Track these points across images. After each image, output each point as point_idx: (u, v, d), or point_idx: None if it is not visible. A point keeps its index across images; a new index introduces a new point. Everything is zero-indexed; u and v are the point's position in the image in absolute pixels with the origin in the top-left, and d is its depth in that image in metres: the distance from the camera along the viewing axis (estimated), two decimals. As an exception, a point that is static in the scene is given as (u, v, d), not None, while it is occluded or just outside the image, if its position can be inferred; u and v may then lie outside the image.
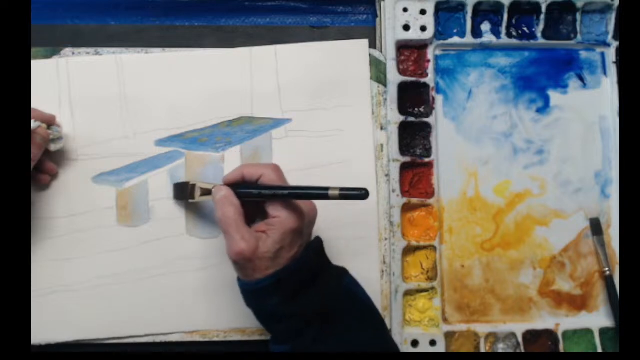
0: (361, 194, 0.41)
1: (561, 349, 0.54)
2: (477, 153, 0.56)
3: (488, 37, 0.57)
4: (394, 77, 0.55)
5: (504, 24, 0.57)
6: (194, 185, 0.49)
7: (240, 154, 0.55)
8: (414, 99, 0.56)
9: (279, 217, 0.43)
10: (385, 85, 0.56)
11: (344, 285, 0.46)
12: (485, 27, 0.58)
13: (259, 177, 0.45)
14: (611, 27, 0.57)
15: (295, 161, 0.54)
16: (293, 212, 0.43)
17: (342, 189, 0.41)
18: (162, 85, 0.55)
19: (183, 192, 0.51)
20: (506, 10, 0.57)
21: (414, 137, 0.56)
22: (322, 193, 0.42)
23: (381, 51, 0.56)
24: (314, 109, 0.55)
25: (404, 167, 0.55)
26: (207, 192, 0.47)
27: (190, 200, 0.49)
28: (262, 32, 0.57)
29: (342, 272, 0.47)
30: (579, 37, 0.57)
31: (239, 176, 0.46)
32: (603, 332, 0.54)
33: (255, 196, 0.44)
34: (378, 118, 0.55)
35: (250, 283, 0.43)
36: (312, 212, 0.45)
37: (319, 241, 0.46)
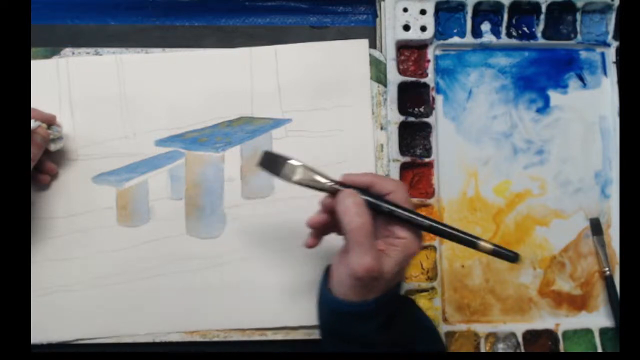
0: (512, 257, 0.39)
1: (561, 349, 0.54)
2: (477, 153, 0.56)
3: (488, 37, 0.57)
4: (394, 77, 0.55)
5: (504, 24, 0.57)
6: (300, 165, 0.42)
7: (240, 154, 0.55)
8: (414, 99, 0.56)
9: (406, 239, 0.40)
10: (385, 85, 0.56)
11: (417, 316, 0.45)
12: (485, 27, 0.58)
13: (388, 193, 0.41)
14: (611, 27, 0.57)
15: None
16: (417, 236, 0.41)
17: (495, 246, 0.39)
18: (162, 85, 0.55)
19: (274, 164, 0.43)
20: (506, 10, 0.57)
21: (414, 137, 0.56)
22: (472, 241, 0.40)
23: (381, 51, 0.56)
24: (314, 109, 0.55)
25: (404, 167, 0.55)
26: (320, 188, 0.42)
27: (284, 178, 0.42)
28: (262, 32, 0.57)
29: (412, 302, 0.46)
30: (579, 37, 0.57)
31: (367, 183, 0.41)
32: (603, 332, 0.54)
33: (384, 213, 0.40)
34: (378, 118, 0.55)
35: (356, 304, 0.39)
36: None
37: None
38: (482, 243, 0.40)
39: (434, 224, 0.40)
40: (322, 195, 0.43)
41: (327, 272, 0.43)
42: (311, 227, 0.44)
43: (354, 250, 0.38)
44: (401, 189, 0.41)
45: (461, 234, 0.40)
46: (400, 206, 0.40)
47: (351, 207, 0.39)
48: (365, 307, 0.39)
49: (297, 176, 0.42)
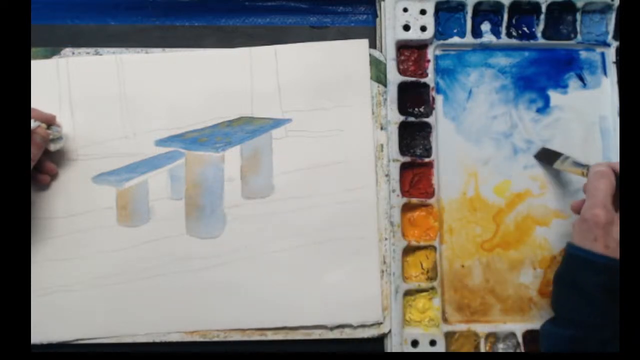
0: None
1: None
2: (477, 153, 0.56)
3: (488, 37, 0.57)
4: (394, 77, 0.55)
5: (504, 24, 0.57)
6: (567, 158, 0.53)
7: (240, 154, 0.55)
8: (414, 99, 0.56)
9: None
10: (385, 85, 0.56)
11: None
12: (485, 27, 0.58)
13: None
14: (611, 27, 0.57)
15: (295, 161, 0.54)
16: None
17: None
18: (162, 85, 0.55)
19: (549, 158, 0.54)
20: (506, 10, 0.57)
21: (414, 137, 0.56)
22: None
23: (381, 51, 0.56)
24: (314, 109, 0.55)
25: (404, 167, 0.55)
26: (578, 171, 0.50)
27: (555, 167, 0.53)
28: (262, 32, 0.57)
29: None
30: (579, 37, 0.57)
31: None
32: (603, 332, 0.54)
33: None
34: (378, 118, 0.55)
35: (582, 249, 0.44)
36: None
37: None
38: None
39: None
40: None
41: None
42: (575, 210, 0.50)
43: (588, 201, 0.44)
44: None
45: None
46: None
47: (597, 171, 0.46)
48: (595, 257, 0.43)
49: (566, 165, 0.53)
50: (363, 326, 0.53)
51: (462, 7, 0.57)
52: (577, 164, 0.51)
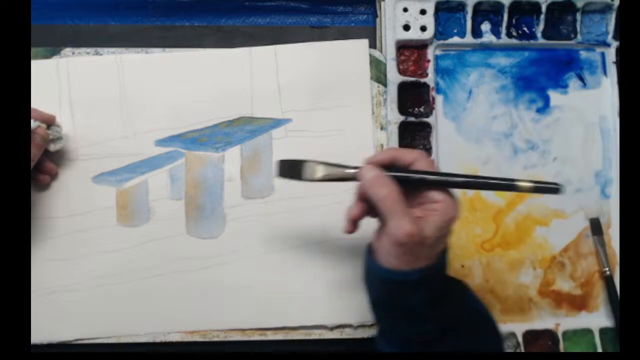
0: (554, 189, 0.41)
1: (561, 349, 0.54)
2: (477, 153, 0.56)
3: (488, 37, 0.57)
4: (394, 77, 0.55)
5: (504, 24, 0.57)
6: (314, 165, 0.43)
7: (240, 154, 0.55)
8: (414, 99, 0.56)
9: (442, 202, 0.40)
10: (385, 85, 0.56)
11: (466, 299, 0.44)
12: (485, 27, 0.58)
13: (411, 162, 0.41)
14: (611, 27, 0.57)
15: (295, 161, 0.54)
16: (453, 199, 0.40)
17: (534, 182, 0.41)
18: (162, 85, 0.55)
19: (293, 169, 0.44)
20: (506, 10, 0.57)
21: (414, 137, 0.56)
22: (510, 185, 0.40)
23: (381, 51, 0.56)
24: (314, 109, 0.55)
25: (404, 167, 0.55)
26: (342, 177, 0.43)
27: (307, 179, 0.43)
28: (262, 32, 0.57)
29: (464, 286, 0.45)
30: (579, 37, 0.57)
31: (388, 158, 0.42)
32: (603, 332, 0.54)
33: (415, 181, 0.40)
34: (378, 118, 0.55)
35: (402, 272, 0.39)
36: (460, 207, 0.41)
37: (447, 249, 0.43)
38: (521, 183, 0.40)
39: (469, 179, 0.41)
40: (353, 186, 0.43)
41: (369, 250, 0.43)
42: (351, 218, 0.43)
43: (390, 219, 0.39)
44: (423, 156, 0.41)
45: (497, 181, 0.41)
46: (429, 172, 0.41)
47: (373, 180, 0.40)
48: (414, 275, 0.39)
49: (320, 173, 0.43)
50: (363, 326, 0.53)
51: (462, 7, 0.57)
52: (333, 165, 0.43)
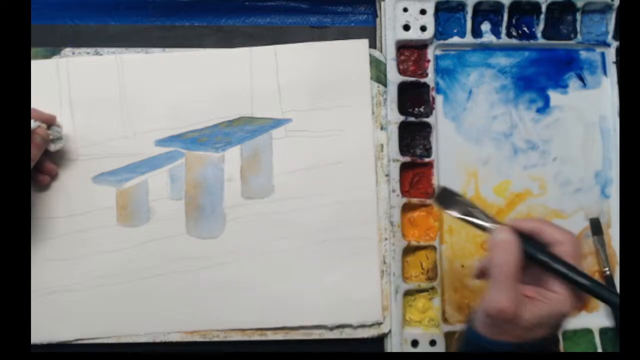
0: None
1: (561, 349, 0.54)
2: (477, 153, 0.56)
3: (488, 37, 0.57)
4: (394, 77, 0.55)
5: (504, 24, 0.57)
6: (465, 203, 0.44)
7: (240, 154, 0.55)
8: (414, 99, 0.56)
9: (558, 294, 0.37)
10: (385, 85, 0.56)
11: None
12: (485, 27, 0.58)
13: (554, 243, 0.39)
14: (611, 27, 0.57)
15: (295, 161, 0.54)
16: (574, 297, 0.38)
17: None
18: (162, 85, 0.55)
19: (448, 200, 0.45)
20: (506, 10, 0.57)
21: (414, 137, 0.56)
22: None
23: (381, 51, 0.56)
24: (314, 109, 0.55)
25: (404, 167, 0.55)
26: (477, 224, 0.42)
27: (449, 213, 0.44)
28: (262, 32, 0.57)
29: None
30: (579, 37, 0.57)
31: (532, 229, 0.40)
32: (603, 332, 0.54)
33: (540, 263, 0.39)
34: (378, 118, 0.55)
35: (486, 340, 0.38)
36: (581, 306, 0.40)
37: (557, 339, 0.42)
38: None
39: (594, 285, 0.37)
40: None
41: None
42: (478, 268, 0.43)
43: (492, 287, 0.38)
44: (571, 241, 0.39)
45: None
46: (558, 258, 0.38)
47: (500, 243, 0.39)
48: (496, 347, 0.38)
49: (463, 213, 0.43)
50: (363, 326, 0.53)
51: (462, 7, 0.57)
52: (480, 215, 0.43)
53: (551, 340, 0.39)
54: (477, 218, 0.42)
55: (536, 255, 0.39)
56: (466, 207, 0.43)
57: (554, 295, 0.38)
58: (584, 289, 0.38)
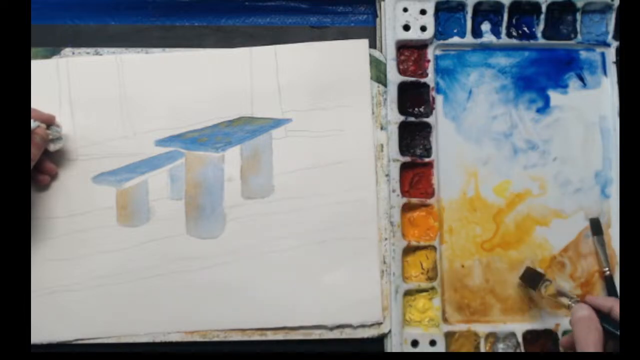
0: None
1: (561, 349, 0.54)
2: (477, 153, 0.56)
3: (488, 37, 0.57)
4: (394, 77, 0.55)
5: (504, 24, 0.57)
6: (549, 283, 0.50)
7: (240, 154, 0.55)
8: (414, 99, 0.56)
9: None
10: (385, 85, 0.56)
11: None
12: (485, 27, 0.58)
13: (610, 309, 0.43)
14: (611, 27, 0.57)
15: (295, 161, 0.54)
16: None
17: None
18: (162, 85, 0.55)
19: (534, 280, 0.51)
20: (506, 10, 0.57)
21: (414, 137, 0.56)
22: None
23: (381, 51, 0.56)
24: (314, 109, 0.55)
25: (404, 167, 0.55)
26: (562, 303, 0.49)
27: (538, 293, 0.51)
28: (262, 32, 0.57)
29: None
30: (579, 37, 0.57)
31: (609, 307, 0.43)
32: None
33: (613, 336, 0.42)
34: (378, 118, 0.55)
35: None
36: None
37: None
38: None
39: None
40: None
41: None
42: (562, 344, 0.51)
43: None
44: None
45: None
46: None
47: (582, 320, 0.42)
48: None
49: (548, 292, 0.50)
50: (363, 326, 0.53)
51: (462, 7, 0.57)
52: (561, 294, 0.49)
53: None
54: (563, 296, 0.48)
55: (615, 334, 0.42)
56: (547, 284, 0.50)
57: None
58: None
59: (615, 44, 0.57)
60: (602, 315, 0.43)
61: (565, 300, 0.48)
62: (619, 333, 0.41)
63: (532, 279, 0.52)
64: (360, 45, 0.56)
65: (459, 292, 0.55)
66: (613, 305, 0.43)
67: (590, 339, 0.41)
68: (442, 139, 0.56)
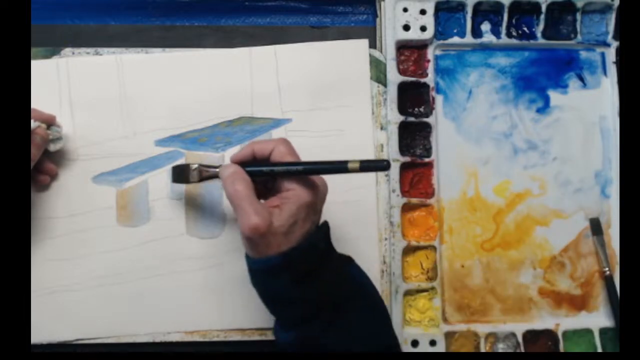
0: (382, 165, 0.41)
1: (561, 349, 0.54)
2: (477, 153, 0.56)
3: (488, 37, 0.57)
4: (394, 77, 0.55)
5: (504, 24, 0.57)
6: (196, 167, 0.47)
7: (240, 154, 0.55)
8: (414, 99, 0.56)
9: (294, 190, 0.42)
10: (385, 85, 0.56)
11: (350, 273, 0.45)
12: (485, 27, 0.58)
13: (270, 152, 0.43)
14: (611, 27, 0.57)
15: (295, 161, 0.54)
16: (307, 185, 0.42)
17: (362, 161, 0.40)
18: (162, 85, 0.55)
19: (182, 174, 0.49)
20: (506, 10, 0.57)
21: (414, 137, 0.56)
22: (340, 167, 0.41)
23: (381, 51, 0.56)
24: (314, 109, 0.55)
25: (404, 167, 0.55)
26: (211, 176, 0.47)
27: (192, 182, 0.48)
28: (262, 32, 0.57)
29: (348, 260, 0.46)
30: (579, 37, 0.57)
31: (249, 154, 0.44)
32: (603, 332, 0.54)
33: (266, 174, 0.43)
34: (378, 118, 0.55)
35: (261, 260, 0.41)
36: (324, 187, 0.44)
37: (326, 225, 0.44)
38: (350, 164, 0.41)
39: (306, 167, 0.42)
40: None
41: None
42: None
43: (237, 214, 0.41)
44: (280, 144, 0.43)
45: (330, 165, 0.42)
46: (274, 162, 0.43)
47: (227, 178, 0.42)
48: (268, 263, 0.41)
49: (196, 177, 0.47)
50: (363, 326, 0.53)
51: (462, 7, 0.57)
52: (207, 167, 0.47)
53: (318, 236, 0.43)
54: (210, 172, 0.46)
55: (261, 171, 0.43)
56: (194, 169, 0.47)
57: (292, 192, 0.42)
58: (309, 173, 0.42)
59: (615, 44, 0.57)
60: (247, 165, 0.43)
61: (212, 171, 0.46)
62: (267, 169, 0.43)
63: (181, 173, 0.49)
64: (360, 45, 0.56)
65: (459, 292, 0.55)
66: (250, 150, 0.44)
67: (238, 189, 0.41)
68: (442, 139, 0.56)
